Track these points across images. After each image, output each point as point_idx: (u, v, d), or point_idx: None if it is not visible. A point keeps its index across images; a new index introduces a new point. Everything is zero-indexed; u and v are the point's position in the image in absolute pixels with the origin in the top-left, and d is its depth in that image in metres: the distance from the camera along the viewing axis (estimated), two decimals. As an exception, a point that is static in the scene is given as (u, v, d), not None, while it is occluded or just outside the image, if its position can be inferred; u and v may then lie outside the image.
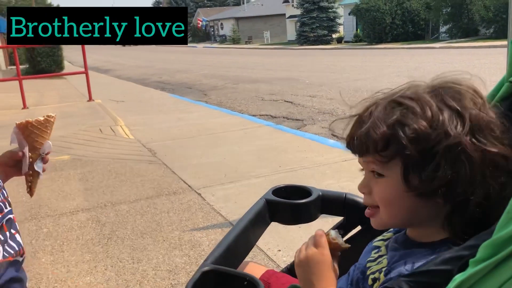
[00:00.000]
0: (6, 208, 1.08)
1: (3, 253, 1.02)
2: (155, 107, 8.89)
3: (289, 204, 1.12)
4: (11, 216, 1.09)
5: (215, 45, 56.82)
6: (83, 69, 10.39)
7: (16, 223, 1.13)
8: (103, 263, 2.71)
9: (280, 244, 2.82)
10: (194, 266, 2.61)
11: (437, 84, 0.85)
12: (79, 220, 3.39)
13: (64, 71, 17.07)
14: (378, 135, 0.80)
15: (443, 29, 30.11)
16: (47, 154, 1.25)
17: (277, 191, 1.17)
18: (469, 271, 0.64)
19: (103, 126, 6.96)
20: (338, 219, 1.24)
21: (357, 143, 0.85)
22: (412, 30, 31.26)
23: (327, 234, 0.94)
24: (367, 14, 30.99)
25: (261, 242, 2.82)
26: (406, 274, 0.79)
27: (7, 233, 1.06)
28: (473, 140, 0.77)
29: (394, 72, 12.90)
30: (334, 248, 0.91)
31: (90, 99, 10.04)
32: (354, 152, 0.88)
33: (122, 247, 2.90)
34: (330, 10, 39.69)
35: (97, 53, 44.45)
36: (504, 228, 0.61)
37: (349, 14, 35.34)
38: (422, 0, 30.60)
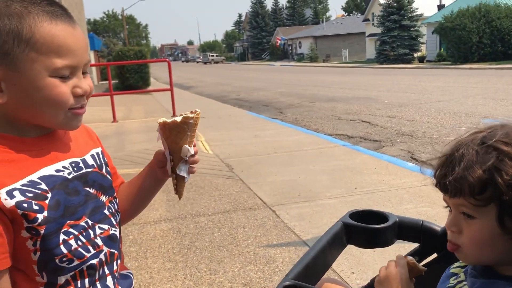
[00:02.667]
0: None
1: None
2: (233, 124, 9.18)
3: (366, 228, 1.17)
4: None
5: (292, 63, 57.33)
6: (167, 86, 10.99)
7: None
8: (182, 272, 2.87)
9: (354, 267, 2.82)
10: (268, 282, 2.69)
11: None
12: (162, 230, 3.61)
13: (151, 88, 18.14)
14: (475, 179, 0.82)
15: (537, 48, 28.12)
16: (191, 157, 1.13)
17: (354, 214, 1.22)
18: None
19: (185, 140, 7.31)
20: (413, 245, 1.26)
21: (451, 184, 0.86)
22: (501, 50, 29.47)
23: (405, 257, 1.04)
24: (452, 33, 29.72)
25: (334, 263, 2.83)
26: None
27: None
28: None
29: (479, 94, 12.27)
30: (411, 270, 0.99)
31: (174, 114, 10.58)
32: (444, 192, 0.90)
33: (200, 258, 3.05)
34: (412, 29, 38.66)
35: (181, 71, 46.65)
36: None
37: (432, 32, 34.14)
38: (514, 18, 28.84)
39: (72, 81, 0.97)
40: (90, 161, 1.08)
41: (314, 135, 7.63)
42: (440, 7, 41.86)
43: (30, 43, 0.91)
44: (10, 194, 0.89)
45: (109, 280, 1.05)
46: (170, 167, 1.15)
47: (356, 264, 2.85)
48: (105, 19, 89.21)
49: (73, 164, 1.03)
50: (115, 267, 1.07)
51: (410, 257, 1.06)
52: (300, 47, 65.00)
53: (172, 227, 3.65)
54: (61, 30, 0.93)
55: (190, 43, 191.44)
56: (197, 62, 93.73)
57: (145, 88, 17.75)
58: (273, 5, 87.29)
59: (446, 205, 0.94)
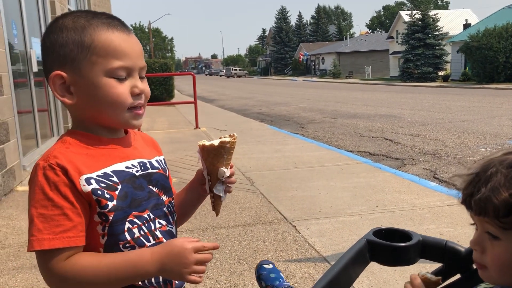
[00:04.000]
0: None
1: None
2: (254, 138, 9.24)
3: (390, 246, 1.18)
4: None
5: (314, 78, 57.39)
6: (191, 98, 11.14)
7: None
8: (202, 284, 2.90)
9: (374, 285, 2.81)
10: (287, 296, 2.70)
11: None
12: (183, 240, 3.65)
13: (175, 100, 18.39)
14: (500, 201, 0.82)
15: None
16: (228, 178, 1.21)
17: (378, 232, 1.24)
18: None
19: (207, 153, 7.39)
20: (436, 265, 1.27)
21: (476, 204, 0.87)
22: (529, 70, 28.97)
23: (418, 275, 1.08)
24: (478, 52, 29.38)
25: (355, 281, 2.83)
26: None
27: None
28: None
29: (505, 115, 12.07)
30: (428, 285, 1.02)
31: (197, 126, 10.71)
32: (470, 209, 0.91)
33: (220, 270, 3.08)
34: (436, 47, 38.38)
35: (204, 84, 47.15)
36: None
37: (457, 51, 33.81)
38: (543, 38, 28.35)
39: (129, 81, 1.09)
40: (156, 164, 1.20)
41: (336, 151, 7.62)
42: (466, 26, 41.50)
43: (91, 49, 1.05)
44: (88, 181, 1.02)
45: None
46: (208, 186, 1.22)
47: (376, 282, 2.83)
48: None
49: (141, 164, 1.15)
50: None
51: (423, 273, 1.09)
52: (323, 63, 65.09)
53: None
54: (117, 36, 1.07)
55: (214, 56, 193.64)
56: (220, 75, 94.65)
57: (169, 100, 18.00)
58: (297, 21, 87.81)
59: (473, 222, 0.95)
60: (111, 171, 1.08)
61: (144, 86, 1.12)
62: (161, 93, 18.54)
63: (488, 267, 0.90)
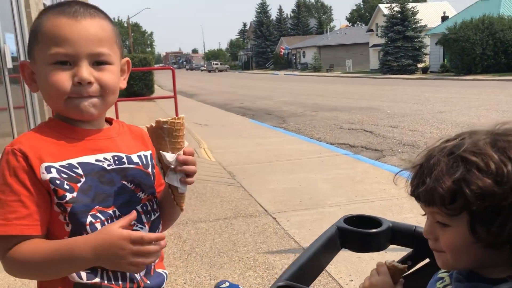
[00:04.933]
0: None
1: None
2: (235, 132, 9.23)
3: (360, 232, 1.20)
4: None
5: (296, 72, 57.51)
6: (171, 93, 11.06)
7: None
8: (182, 277, 2.90)
9: (353, 274, 2.84)
10: None
11: (498, 134, 0.88)
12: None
13: (155, 95, 18.23)
14: (444, 189, 0.84)
15: (540, 60, 28.14)
16: (180, 165, 1.07)
17: (349, 219, 1.26)
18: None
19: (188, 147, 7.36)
20: (407, 250, 1.29)
21: (423, 195, 0.89)
22: (505, 62, 29.48)
23: (385, 263, 1.10)
24: (455, 44, 29.80)
25: (333, 270, 2.87)
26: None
27: None
28: None
29: (482, 106, 12.29)
30: (394, 273, 1.04)
31: (176, 121, 10.63)
32: (418, 201, 0.93)
33: (200, 264, 3.08)
34: (415, 40, 38.76)
35: (185, 78, 46.85)
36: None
37: (436, 44, 34.24)
38: (517, 30, 28.89)
39: (73, 70, 1.04)
40: (135, 159, 1.14)
41: (316, 144, 7.67)
42: (444, 18, 42.01)
43: (39, 36, 1.05)
44: (48, 169, 1.00)
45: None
46: (162, 175, 1.10)
47: (354, 271, 2.87)
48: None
49: (115, 158, 1.11)
50: None
51: (389, 261, 1.11)
52: (304, 56, 65.23)
53: (173, 232, 3.69)
54: (62, 22, 1.03)
55: (194, 51, 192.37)
56: (201, 70, 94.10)
57: (149, 95, 17.84)
58: (277, 14, 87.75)
59: (424, 213, 0.97)
60: (77, 163, 1.04)
61: (97, 74, 1.05)
62: (141, 88, 18.36)
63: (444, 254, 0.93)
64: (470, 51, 29.27)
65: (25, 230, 0.98)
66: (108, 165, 1.08)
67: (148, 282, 1.13)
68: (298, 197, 4.53)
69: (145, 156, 1.18)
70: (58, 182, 1.00)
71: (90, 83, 1.05)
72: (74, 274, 1.03)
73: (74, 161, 1.04)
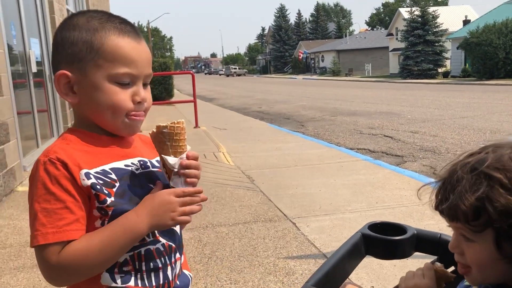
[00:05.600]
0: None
1: None
2: (254, 136, 9.25)
3: (385, 239, 1.20)
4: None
5: (314, 76, 57.37)
6: (191, 97, 11.15)
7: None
8: (203, 281, 2.92)
9: (374, 281, 2.82)
10: (287, 293, 2.71)
11: None
12: (183, 239, 3.66)
13: (174, 99, 18.40)
14: (467, 206, 0.84)
15: None
16: (183, 169, 1.10)
17: (373, 226, 1.26)
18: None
19: (207, 151, 7.41)
20: (431, 258, 1.29)
21: (446, 211, 0.90)
22: (528, 66, 28.96)
23: (434, 265, 1.07)
24: (478, 49, 29.36)
25: (354, 277, 2.85)
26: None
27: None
28: None
29: (505, 111, 12.07)
30: (440, 278, 1.02)
31: (196, 126, 10.72)
32: (443, 216, 0.93)
33: (221, 267, 3.10)
34: (436, 44, 38.33)
35: (204, 83, 47.15)
36: None
37: (457, 48, 33.77)
38: (542, 34, 28.33)
39: (132, 89, 1.10)
40: (156, 164, 1.19)
41: (336, 148, 7.63)
42: (466, 22, 41.46)
43: (99, 52, 1.07)
44: (87, 175, 1.04)
45: (169, 271, 1.14)
46: (167, 179, 1.13)
47: (376, 278, 2.85)
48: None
49: (141, 162, 1.16)
50: (173, 259, 1.16)
51: (439, 264, 1.08)
52: (322, 60, 65.05)
53: (194, 236, 3.71)
54: (127, 43, 1.09)
55: (213, 55, 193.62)
56: (220, 74, 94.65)
57: (169, 99, 18.01)
58: (296, 19, 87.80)
59: (450, 227, 0.96)
60: (110, 169, 1.08)
61: (146, 94, 1.13)
62: (161, 92, 18.54)
63: (470, 270, 0.92)
64: (493, 55, 28.79)
65: (75, 235, 1.01)
66: (136, 169, 1.13)
67: (178, 282, 1.18)
68: (317, 202, 4.52)
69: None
70: (98, 187, 1.04)
71: (142, 102, 1.12)
72: (108, 278, 1.06)
73: (107, 167, 1.08)
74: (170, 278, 1.14)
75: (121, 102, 1.08)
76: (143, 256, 1.09)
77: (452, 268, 1.23)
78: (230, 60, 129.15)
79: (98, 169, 1.06)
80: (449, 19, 43.47)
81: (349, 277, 2.88)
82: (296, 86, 34.17)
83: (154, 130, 1.09)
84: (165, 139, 1.08)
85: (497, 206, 0.80)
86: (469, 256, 0.89)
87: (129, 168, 1.12)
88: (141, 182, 1.12)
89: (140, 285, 1.09)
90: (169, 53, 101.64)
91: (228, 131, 10.27)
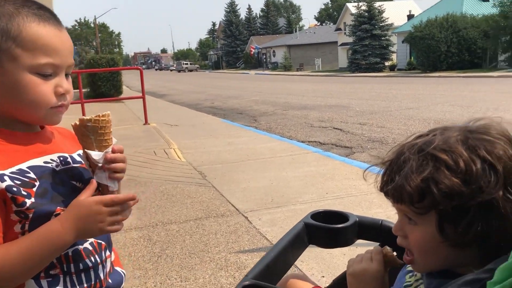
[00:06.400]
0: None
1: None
2: (206, 132, 9.17)
3: (327, 228, 1.19)
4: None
5: (266, 71, 57.67)
6: (140, 94, 10.91)
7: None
8: (152, 280, 2.85)
9: (324, 271, 2.85)
10: None
11: (470, 131, 0.86)
12: (132, 238, 3.57)
13: (122, 95, 17.95)
14: (413, 188, 0.83)
15: (501, 57, 29.13)
16: (108, 163, 1.04)
17: (316, 215, 1.25)
18: (487, 292, 0.69)
19: (157, 148, 7.26)
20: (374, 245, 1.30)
21: (391, 192, 0.88)
22: (468, 59, 30.43)
23: (384, 249, 1.05)
24: (421, 42, 30.53)
25: (305, 267, 2.87)
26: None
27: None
28: (506, 194, 0.79)
29: (448, 101, 12.61)
30: (388, 263, 1.00)
31: (146, 122, 10.49)
32: (388, 198, 0.92)
33: (171, 265, 3.03)
34: (383, 38, 39.47)
35: (155, 79, 46.31)
36: (518, 253, 0.67)
37: (402, 42, 34.96)
38: (480, 28, 29.81)
39: (55, 80, 1.02)
40: (78, 158, 1.12)
41: (287, 142, 7.70)
42: (410, 17, 42.96)
43: (17, 40, 0.96)
44: (1, 177, 0.94)
45: (101, 269, 1.08)
46: (91, 173, 1.07)
47: (326, 267, 2.88)
48: (77, 27, 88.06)
49: (61, 158, 1.08)
50: (103, 257, 1.10)
51: (389, 249, 1.07)
52: (274, 56, 65.47)
53: (143, 235, 3.62)
54: (48, 31, 1.00)
55: (163, 51, 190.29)
56: (171, 70, 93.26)
57: (117, 96, 17.54)
58: (246, 14, 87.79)
59: (396, 211, 0.96)
60: (27, 167, 0.99)
61: (69, 85, 1.05)
62: (109, 89, 18.06)
63: (413, 253, 0.91)
64: (436, 49, 30.03)
65: None
66: (57, 166, 1.05)
67: (110, 281, 1.12)
68: (270, 195, 4.53)
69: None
70: (15, 189, 0.95)
71: (65, 94, 1.05)
72: (33, 284, 0.98)
73: (23, 166, 0.99)
74: (102, 277, 1.09)
75: (44, 95, 1.00)
76: (71, 258, 1.02)
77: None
78: (181, 55, 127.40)
79: (14, 168, 0.97)
80: (394, 14, 44.80)
81: (300, 267, 2.89)
82: (248, 81, 34.21)
83: (77, 123, 1.03)
84: (88, 133, 1.02)
85: (441, 188, 0.79)
86: (412, 239, 0.89)
87: (49, 165, 1.04)
88: (63, 179, 1.05)
89: (70, 287, 1.02)
90: (117, 49, 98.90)
91: (180, 127, 10.13)
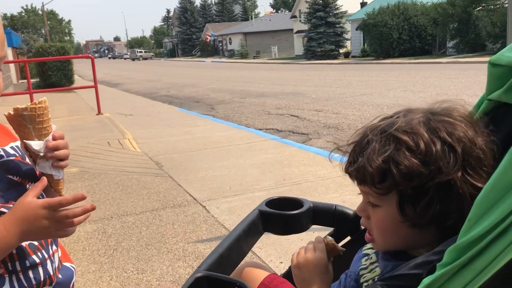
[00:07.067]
0: None
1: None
2: (162, 121, 9.01)
3: (281, 215, 1.18)
4: None
5: (223, 59, 57.29)
6: (92, 83, 10.57)
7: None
8: (108, 274, 2.77)
9: (282, 256, 2.87)
10: (196, 277, 2.67)
11: (432, 113, 0.87)
12: (86, 231, 3.46)
13: (74, 85, 17.34)
14: (374, 169, 0.83)
15: (450, 44, 30.21)
16: (50, 152, 0.99)
17: (271, 202, 1.24)
18: (436, 274, 0.70)
19: (111, 139, 7.07)
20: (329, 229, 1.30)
21: (354, 173, 0.89)
22: (419, 45, 31.37)
23: (325, 238, 1.06)
24: (374, 29, 31.15)
25: (263, 254, 2.88)
26: (382, 278, 0.84)
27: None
28: (465, 175, 0.80)
29: (400, 87, 12.95)
30: (330, 251, 1.01)
31: (99, 112, 10.19)
32: (352, 179, 0.92)
33: (127, 258, 2.96)
34: (337, 26, 39.94)
35: (108, 67, 45.01)
36: (466, 234, 0.67)
37: (356, 29, 35.53)
38: (429, 16, 30.74)
39: None
40: (11, 151, 1.04)
41: (245, 130, 7.68)
42: (363, 4, 43.67)
43: None
44: None
45: (49, 265, 1.04)
46: (33, 164, 1.03)
47: (284, 253, 2.90)
48: (23, 14, 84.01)
49: None
50: (50, 252, 1.05)
51: (330, 238, 1.08)
52: (230, 43, 65.03)
53: (97, 228, 3.52)
54: None
55: (116, 39, 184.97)
56: (125, 58, 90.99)
57: (69, 86, 16.94)
58: (201, 1, 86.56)
59: (359, 192, 0.96)
60: None
61: (0, 79, 0.99)
62: (60, 79, 17.42)
63: (375, 237, 0.92)
64: (388, 36, 30.72)
65: None
66: None
67: (60, 276, 1.08)
68: (227, 183, 4.50)
69: (17, 146, 1.09)
70: None
71: None
72: None
73: None
74: (51, 273, 1.04)
75: None
76: (15, 255, 0.97)
77: (348, 239, 1.25)
78: (135, 43, 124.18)
79: None
80: (348, 1, 45.38)
81: (258, 254, 2.88)
82: (205, 69, 33.86)
83: (11, 113, 0.96)
84: (25, 122, 0.96)
85: (401, 169, 0.80)
86: (374, 220, 0.90)
87: None
88: None
89: (17, 286, 0.97)
90: (68, 37, 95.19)
91: (135, 117, 9.89)
